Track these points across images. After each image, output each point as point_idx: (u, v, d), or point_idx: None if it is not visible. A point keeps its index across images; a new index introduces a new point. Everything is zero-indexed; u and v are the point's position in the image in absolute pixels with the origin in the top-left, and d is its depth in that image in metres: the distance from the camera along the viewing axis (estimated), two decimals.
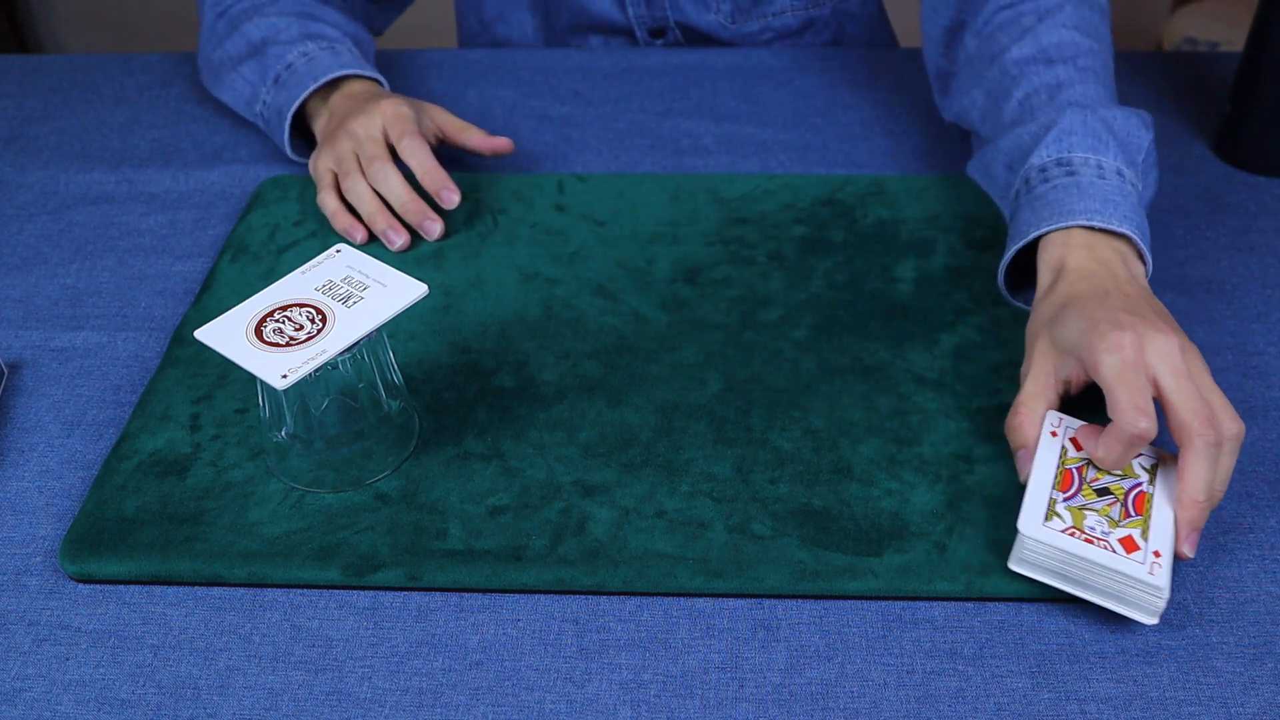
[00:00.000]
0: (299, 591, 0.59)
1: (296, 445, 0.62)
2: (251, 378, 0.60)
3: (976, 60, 0.79)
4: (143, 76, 1.05)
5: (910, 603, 0.58)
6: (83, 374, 0.72)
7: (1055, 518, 0.56)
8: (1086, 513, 0.56)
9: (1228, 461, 0.56)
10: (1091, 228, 0.65)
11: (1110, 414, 0.56)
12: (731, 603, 0.58)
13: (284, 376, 0.55)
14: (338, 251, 0.63)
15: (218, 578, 0.59)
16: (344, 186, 0.81)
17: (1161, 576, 0.53)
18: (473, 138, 0.86)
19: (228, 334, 0.57)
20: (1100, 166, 0.68)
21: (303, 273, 0.61)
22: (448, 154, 0.92)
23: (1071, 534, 0.55)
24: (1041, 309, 0.64)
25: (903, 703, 0.53)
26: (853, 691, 0.54)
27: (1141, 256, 0.66)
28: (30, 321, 0.77)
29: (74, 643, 0.57)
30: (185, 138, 0.96)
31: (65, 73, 1.07)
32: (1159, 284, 0.77)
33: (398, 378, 0.64)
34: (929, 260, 0.78)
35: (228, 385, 0.69)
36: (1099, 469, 0.58)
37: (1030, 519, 0.56)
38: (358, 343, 0.58)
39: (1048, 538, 0.55)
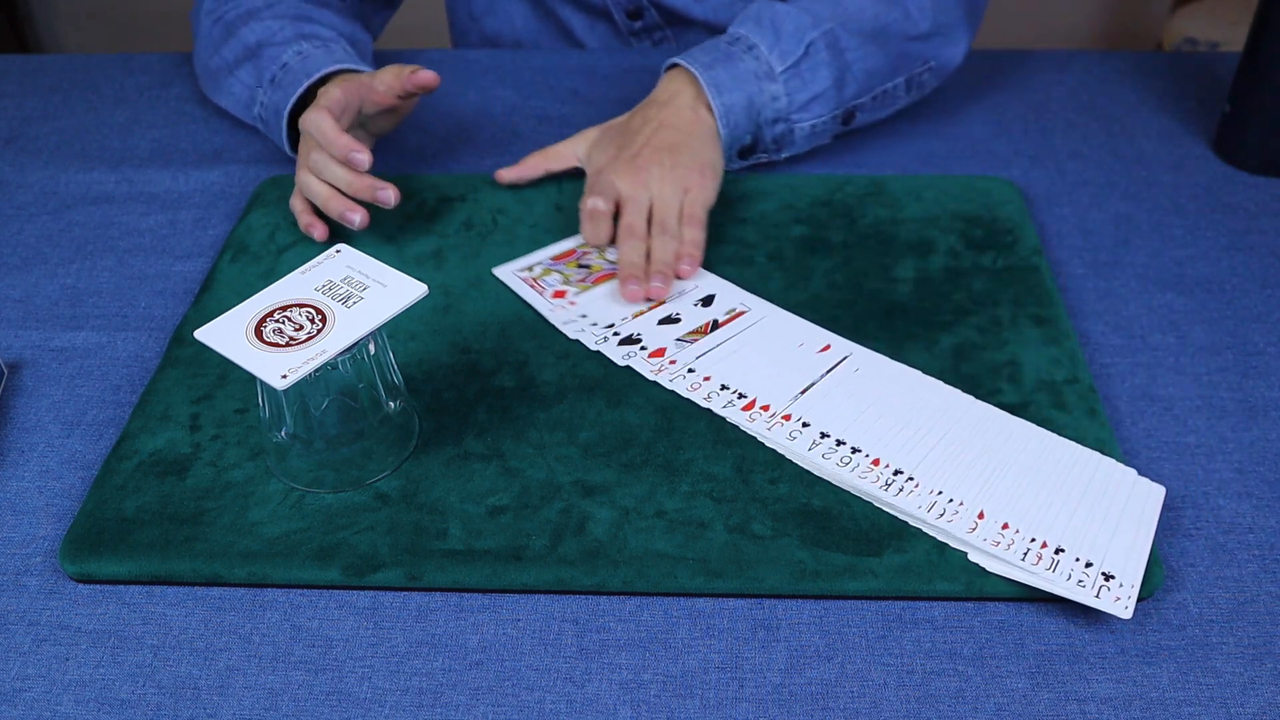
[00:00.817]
0: (299, 591, 0.59)
1: (296, 445, 0.62)
2: (251, 378, 0.60)
3: None
4: (143, 76, 1.05)
5: (910, 603, 0.58)
6: (83, 374, 0.72)
7: (528, 271, 0.76)
8: (554, 274, 0.75)
9: (662, 244, 0.74)
10: (676, 65, 0.83)
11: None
12: (731, 603, 0.58)
13: (284, 376, 0.55)
14: (337, 251, 0.63)
15: (218, 578, 0.59)
16: (299, 185, 0.81)
17: (559, 315, 0.72)
18: (409, 80, 0.81)
19: (228, 334, 0.57)
20: (735, 39, 0.83)
21: (303, 273, 0.61)
22: (451, 152, 0.92)
23: (527, 281, 0.75)
24: (624, 119, 0.83)
25: (903, 703, 0.53)
26: (853, 691, 0.54)
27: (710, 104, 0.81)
28: (30, 321, 0.77)
29: (74, 643, 0.57)
30: (185, 138, 0.96)
31: (65, 73, 1.07)
32: (1159, 283, 0.77)
33: (398, 378, 0.64)
34: (928, 260, 0.78)
35: (228, 385, 0.69)
36: (600, 253, 0.77)
37: (505, 266, 0.76)
38: (358, 343, 0.58)
39: (503, 277, 0.75)
